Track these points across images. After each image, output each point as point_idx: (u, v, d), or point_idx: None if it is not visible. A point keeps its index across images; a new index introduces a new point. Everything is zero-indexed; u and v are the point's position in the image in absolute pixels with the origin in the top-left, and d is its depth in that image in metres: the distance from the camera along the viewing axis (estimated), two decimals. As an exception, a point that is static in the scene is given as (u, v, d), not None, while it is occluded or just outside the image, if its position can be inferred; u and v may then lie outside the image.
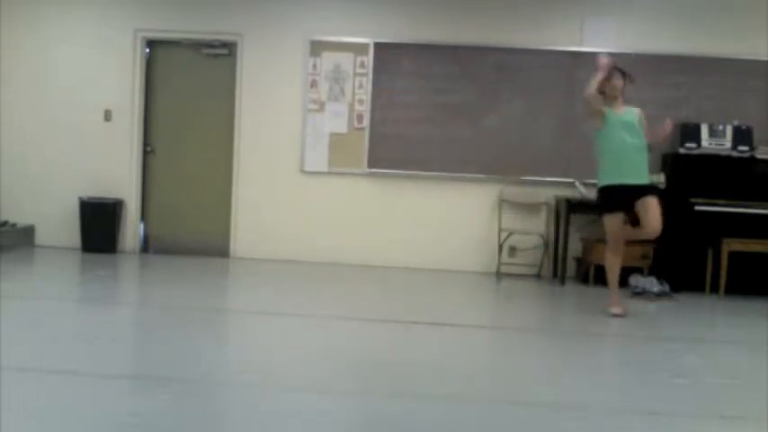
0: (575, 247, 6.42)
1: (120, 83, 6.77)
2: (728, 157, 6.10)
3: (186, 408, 2.77)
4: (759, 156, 6.10)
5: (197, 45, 6.82)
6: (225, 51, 6.81)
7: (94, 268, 5.98)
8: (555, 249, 6.50)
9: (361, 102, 6.62)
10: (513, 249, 6.56)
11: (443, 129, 6.58)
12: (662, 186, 6.11)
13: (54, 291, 5.10)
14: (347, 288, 5.72)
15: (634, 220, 4.96)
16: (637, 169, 4.83)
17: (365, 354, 3.80)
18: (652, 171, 6.25)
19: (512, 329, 4.60)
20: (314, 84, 6.68)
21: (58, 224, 6.81)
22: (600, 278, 6.11)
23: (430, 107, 6.59)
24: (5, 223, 6.68)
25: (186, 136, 6.89)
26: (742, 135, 6.13)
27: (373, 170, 6.64)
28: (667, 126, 4.81)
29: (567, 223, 6.16)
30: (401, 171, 6.65)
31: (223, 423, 2.69)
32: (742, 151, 6.10)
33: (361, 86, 6.63)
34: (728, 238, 5.78)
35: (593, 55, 6.49)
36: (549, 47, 6.53)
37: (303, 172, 6.72)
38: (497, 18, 6.58)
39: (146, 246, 6.97)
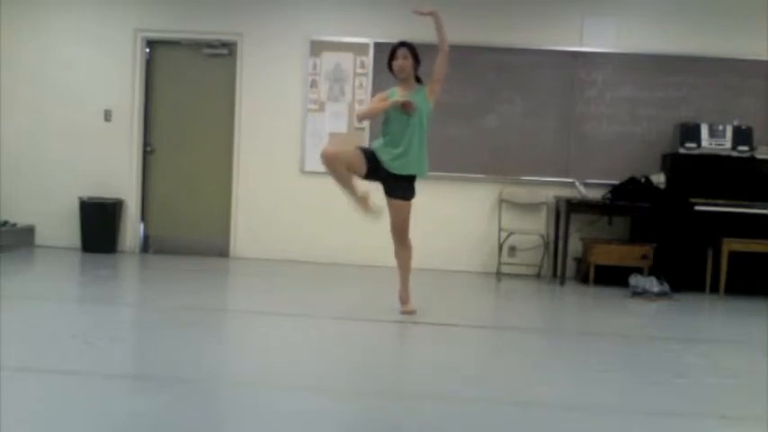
0: (575, 247, 6.42)
1: (120, 83, 6.78)
2: (728, 157, 6.10)
3: (186, 408, 2.77)
4: (759, 156, 6.11)
5: (197, 45, 6.82)
6: (225, 51, 6.81)
7: (94, 268, 5.98)
8: (555, 249, 6.50)
9: (361, 102, 6.62)
10: (512, 249, 6.57)
11: (443, 129, 6.57)
12: (662, 186, 6.12)
13: (54, 291, 5.10)
14: (347, 288, 5.72)
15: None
16: (411, 161, 4.44)
17: (365, 354, 3.79)
18: (651, 171, 6.31)
19: (512, 329, 4.60)
20: (314, 84, 6.68)
21: (58, 224, 6.81)
22: (600, 278, 6.12)
23: (430, 107, 6.58)
24: (5, 223, 6.68)
25: (186, 136, 6.90)
26: (742, 135, 6.13)
27: (373, 170, 6.63)
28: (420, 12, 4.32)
29: (567, 223, 6.16)
30: (401, 171, 6.63)
31: (223, 423, 2.69)
32: (742, 151, 6.11)
33: (361, 86, 6.63)
34: (728, 238, 5.79)
35: (594, 55, 6.56)
36: (549, 47, 6.53)
37: (303, 172, 6.72)
38: (497, 18, 6.58)
39: (146, 246, 6.98)
